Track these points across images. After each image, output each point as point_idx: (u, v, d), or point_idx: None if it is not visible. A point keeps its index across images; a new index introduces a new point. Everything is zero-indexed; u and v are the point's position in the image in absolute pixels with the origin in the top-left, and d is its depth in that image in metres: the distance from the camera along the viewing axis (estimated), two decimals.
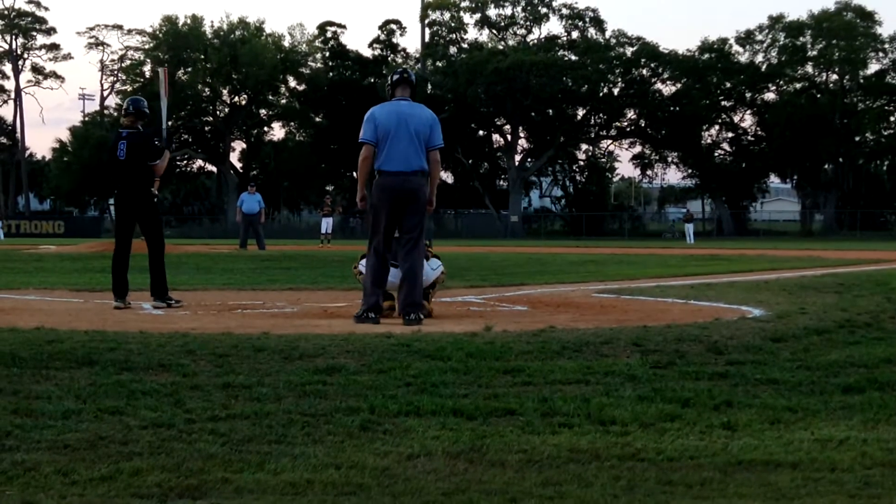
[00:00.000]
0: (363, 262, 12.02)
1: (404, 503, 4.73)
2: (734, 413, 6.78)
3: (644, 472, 5.38)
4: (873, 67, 79.78)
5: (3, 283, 17.43)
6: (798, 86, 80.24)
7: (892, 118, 79.83)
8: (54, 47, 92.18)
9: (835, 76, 79.75)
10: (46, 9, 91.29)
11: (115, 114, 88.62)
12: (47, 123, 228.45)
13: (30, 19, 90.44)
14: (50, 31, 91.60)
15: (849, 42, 76.78)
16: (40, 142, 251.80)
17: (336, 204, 66.33)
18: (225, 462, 5.44)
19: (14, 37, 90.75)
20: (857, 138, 79.74)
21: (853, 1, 79.10)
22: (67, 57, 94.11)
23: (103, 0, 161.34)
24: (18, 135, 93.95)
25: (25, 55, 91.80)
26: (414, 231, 11.49)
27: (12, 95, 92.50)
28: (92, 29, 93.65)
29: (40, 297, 14.69)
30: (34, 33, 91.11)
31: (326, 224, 48.94)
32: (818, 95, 78.99)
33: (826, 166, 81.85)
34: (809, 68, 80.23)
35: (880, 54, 79.64)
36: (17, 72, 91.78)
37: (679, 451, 5.81)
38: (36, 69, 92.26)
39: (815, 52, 79.05)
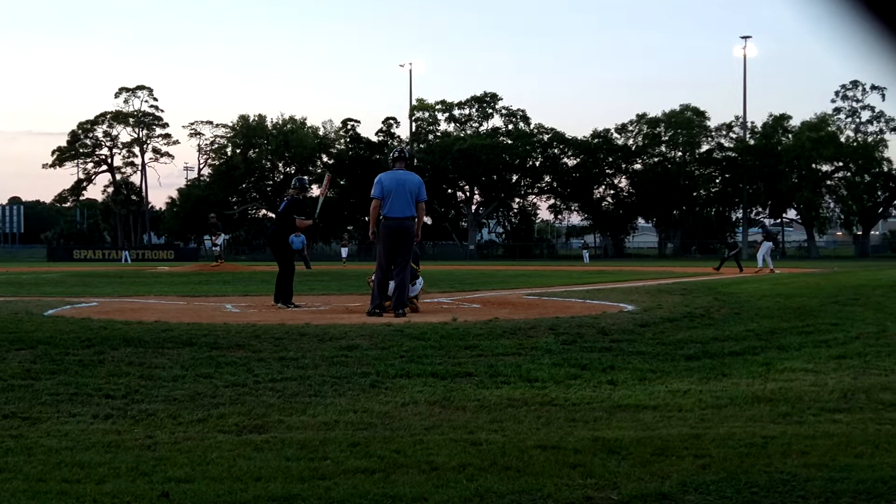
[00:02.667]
0: (373, 276, 12.07)
1: (398, 435, 4.72)
2: (615, 373, 6.79)
3: (556, 412, 5.39)
4: (704, 147, 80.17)
5: (132, 291, 17.32)
6: (656, 160, 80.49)
7: (717, 180, 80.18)
8: (167, 136, 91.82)
9: (679, 153, 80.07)
10: (163, 110, 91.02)
11: (209, 179, 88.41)
12: (163, 186, 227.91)
13: (151, 117, 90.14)
14: (165, 125, 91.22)
15: (688, 131, 77.18)
16: (158, 198, 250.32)
17: (351, 238, 66.32)
18: (280, 409, 5.43)
19: (141, 129, 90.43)
20: (694, 193, 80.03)
21: (691, 103, 79.70)
22: (176, 142, 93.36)
23: (200, 103, 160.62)
24: (143, 193, 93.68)
25: (148, 141, 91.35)
26: (405, 256, 11.59)
27: (140, 168, 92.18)
28: (192, 123, 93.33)
29: (157, 301, 14.61)
30: (154, 127, 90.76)
31: (345, 251, 50.07)
32: (669, 166, 79.28)
33: (674, 211, 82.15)
34: (663, 148, 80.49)
35: (709, 139, 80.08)
36: (142, 152, 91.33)
37: (580, 398, 5.81)
38: (155, 150, 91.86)
39: (666, 138, 79.34)
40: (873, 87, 74.75)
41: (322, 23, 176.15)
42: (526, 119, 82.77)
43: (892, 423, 5.02)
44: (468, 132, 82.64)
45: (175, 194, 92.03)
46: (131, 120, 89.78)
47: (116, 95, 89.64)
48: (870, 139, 74.42)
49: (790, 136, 74.84)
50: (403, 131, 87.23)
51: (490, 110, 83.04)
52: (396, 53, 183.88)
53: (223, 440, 4.58)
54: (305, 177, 15.19)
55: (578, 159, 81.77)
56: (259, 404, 5.55)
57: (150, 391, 5.93)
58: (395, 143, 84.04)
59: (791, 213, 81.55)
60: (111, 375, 6.45)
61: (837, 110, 76.05)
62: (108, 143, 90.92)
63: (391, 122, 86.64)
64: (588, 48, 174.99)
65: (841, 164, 74.61)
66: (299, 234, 36.96)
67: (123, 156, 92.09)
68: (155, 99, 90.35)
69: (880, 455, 4.25)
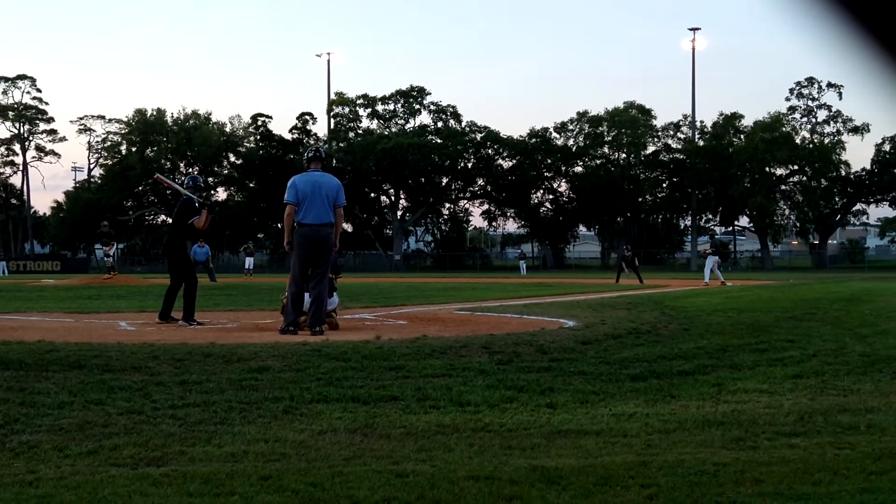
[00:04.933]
0: (286, 291, 11.98)
1: (316, 467, 4.68)
2: (555, 396, 6.84)
3: (491, 439, 5.40)
4: (651, 148, 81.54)
5: (12, 308, 16.91)
6: (598, 162, 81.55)
7: (664, 185, 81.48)
8: (52, 132, 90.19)
9: (624, 155, 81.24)
10: (47, 103, 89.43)
11: (99, 181, 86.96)
12: (47, 188, 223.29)
13: (34, 111, 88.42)
14: (49, 119, 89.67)
15: (633, 130, 78.37)
16: (42, 202, 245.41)
17: (255, 247, 66.05)
18: (181, 439, 5.35)
19: (22, 124, 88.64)
20: (640, 199, 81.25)
21: (636, 101, 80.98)
22: (63, 139, 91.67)
23: (90, 95, 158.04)
24: (25, 196, 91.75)
25: (31, 138, 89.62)
26: (321, 268, 11.53)
27: (20, 168, 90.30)
28: (81, 118, 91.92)
29: (41, 317, 14.29)
30: (37, 121, 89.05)
31: (249, 262, 50.25)
32: (612, 169, 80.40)
33: (618, 219, 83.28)
34: (606, 149, 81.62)
35: (655, 139, 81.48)
36: (24, 150, 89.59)
37: (516, 423, 5.83)
38: (38, 148, 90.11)
39: (609, 138, 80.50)
40: (830, 85, 76.96)
41: (229, 5, 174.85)
42: (457, 116, 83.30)
43: (852, 447, 5.14)
44: (393, 130, 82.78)
45: (62, 198, 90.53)
46: (10, 114, 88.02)
47: None
48: (826, 140, 76.46)
49: (742, 136, 76.55)
50: (321, 128, 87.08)
51: (417, 106, 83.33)
52: (313, 42, 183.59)
53: (117, 475, 4.49)
54: (199, 175, 14.48)
55: (514, 161, 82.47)
56: (157, 434, 5.46)
57: (33, 420, 5.79)
58: (312, 142, 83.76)
59: (743, 221, 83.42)
60: None
61: (792, 109, 78.04)
62: None
63: (307, 118, 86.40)
64: (525, 39, 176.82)
65: (796, 167, 76.53)
66: (203, 244, 36.93)
67: (1, 154, 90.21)
68: (38, 90, 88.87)
69: (839, 482, 4.35)
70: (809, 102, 78.11)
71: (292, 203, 11.47)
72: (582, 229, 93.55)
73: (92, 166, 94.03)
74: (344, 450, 5.13)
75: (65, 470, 4.59)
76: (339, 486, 4.26)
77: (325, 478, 4.40)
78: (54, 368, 7.73)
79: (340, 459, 4.87)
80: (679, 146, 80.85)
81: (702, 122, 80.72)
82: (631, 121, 78.27)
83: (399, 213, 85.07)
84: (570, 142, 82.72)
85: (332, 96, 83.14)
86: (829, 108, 77.79)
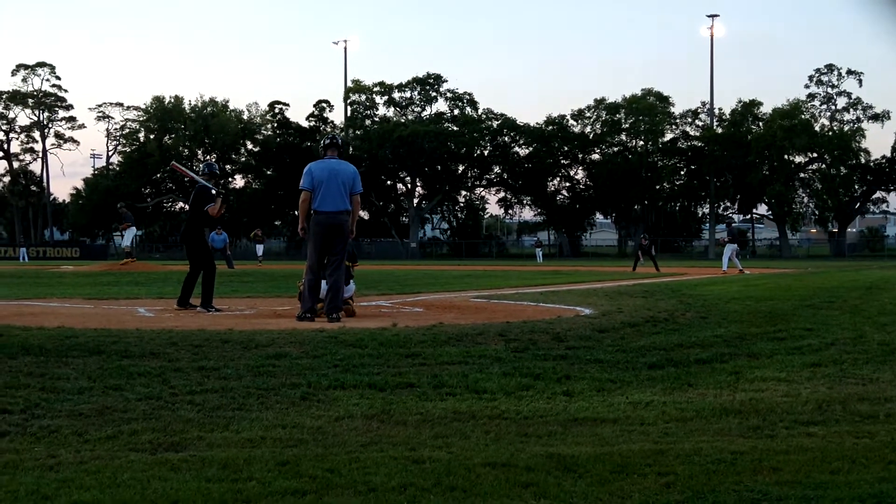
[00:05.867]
0: (303, 278, 12.03)
1: (333, 452, 4.70)
2: (571, 384, 6.84)
3: (507, 427, 5.41)
4: (668, 136, 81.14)
5: (32, 294, 17.01)
6: (615, 149, 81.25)
7: (681, 172, 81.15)
8: (71, 119, 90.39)
9: (641, 142, 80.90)
10: (66, 90, 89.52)
11: (118, 168, 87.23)
12: (66, 175, 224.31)
13: (53, 98, 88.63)
14: (68, 107, 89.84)
15: (651, 118, 77.99)
16: (61, 189, 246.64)
17: (264, 234, 66.23)
18: (200, 424, 5.38)
19: (41, 112, 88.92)
20: (657, 186, 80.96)
21: (654, 88, 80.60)
22: (81, 126, 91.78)
23: (109, 83, 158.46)
24: (45, 183, 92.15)
25: (50, 125, 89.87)
26: (338, 255, 11.52)
27: (40, 155, 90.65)
28: (100, 105, 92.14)
29: (60, 304, 14.37)
30: (57, 109, 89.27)
31: (260, 249, 50.82)
32: (630, 156, 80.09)
33: (636, 206, 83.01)
34: (623, 136, 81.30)
35: (673, 126, 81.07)
36: (43, 138, 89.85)
37: (532, 411, 5.84)
38: (58, 135, 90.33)
39: (627, 125, 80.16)
40: (850, 72, 76.45)
41: None
42: (473, 104, 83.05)
43: (871, 436, 5.12)
44: (409, 118, 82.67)
45: (81, 185, 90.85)
46: (30, 101, 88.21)
47: (13, 73, 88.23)
48: (846, 128, 76.01)
49: (761, 124, 76.11)
50: (337, 116, 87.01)
51: (434, 93, 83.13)
52: (329, 29, 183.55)
53: (135, 459, 4.52)
54: (214, 161, 14.36)
55: (531, 148, 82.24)
56: (176, 419, 5.49)
57: (53, 405, 5.83)
58: (328, 130, 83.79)
59: (762, 209, 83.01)
60: (8, 388, 6.33)
61: (812, 96, 77.58)
62: (3, 127, 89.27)
63: (324, 105, 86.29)
64: (542, 26, 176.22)
65: (815, 154, 76.08)
66: (221, 231, 36.97)
67: (21, 141, 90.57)
68: (57, 77, 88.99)
69: (858, 471, 4.34)
70: (829, 90, 77.64)
71: (308, 190, 11.45)
72: (599, 217, 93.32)
73: (110, 153, 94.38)
74: (361, 436, 5.15)
75: (84, 455, 4.62)
76: (356, 471, 4.28)
77: (342, 464, 4.42)
78: (74, 354, 7.78)
79: (357, 445, 4.89)
80: (697, 133, 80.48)
81: (720, 109, 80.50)
82: (649, 108, 77.90)
83: (415, 200, 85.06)
84: (588, 129, 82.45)
85: (349, 84, 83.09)
86: (848, 95, 77.34)
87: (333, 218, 11.41)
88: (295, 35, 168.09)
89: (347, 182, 11.50)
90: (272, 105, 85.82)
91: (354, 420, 5.57)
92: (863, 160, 76.28)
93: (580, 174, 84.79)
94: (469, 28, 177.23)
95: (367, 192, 77.97)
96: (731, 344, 9.15)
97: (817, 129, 75.54)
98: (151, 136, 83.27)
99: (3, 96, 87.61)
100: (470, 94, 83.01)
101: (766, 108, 76.87)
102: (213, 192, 13.27)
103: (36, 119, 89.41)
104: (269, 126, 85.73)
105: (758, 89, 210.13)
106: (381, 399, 6.21)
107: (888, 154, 78.20)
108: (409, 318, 11.57)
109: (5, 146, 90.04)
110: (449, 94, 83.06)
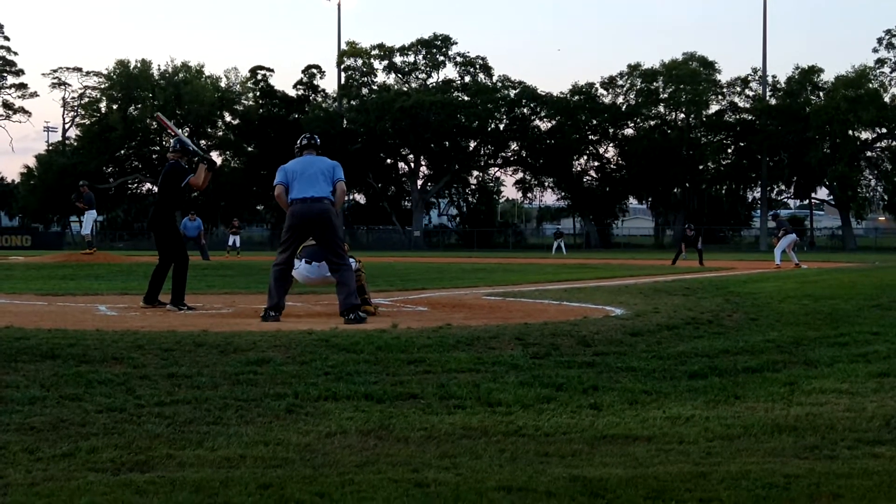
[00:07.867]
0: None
1: (323, 474, 4.71)
2: (600, 395, 6.85)
3: (525, 445, 5.42)
4: (714, 108, 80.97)
5: None
6: (652, 123, 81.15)
7: (729, 150, 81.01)
8: (22, 86, 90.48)
9: (682, 115, 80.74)
10: (16, 53, 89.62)
11: (76, 143, 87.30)
12: (16, 152, 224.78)
13: (1, 62, 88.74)
14: (18, 72, 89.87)
15: (693, 87, 77.77)
16: (10, 167, 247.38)
17: (242, 224, 66.39)
18: (169, 441, 5.39)
19: None
20: (701, 167, 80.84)
21: (697, 52, 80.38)
22: (34, 95, 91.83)
23: (65, 45, 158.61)
24: None
25: None
26: (333, 248, 11.64)
27: None
28: (55, 71, 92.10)
29: (9, 300, 14.40)
30: (4, 74, 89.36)
31: (235, 240, 50.58)
32: (668, 131, 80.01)
33: (675, 190, 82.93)
34: (661, 108, 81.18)
35: (719, 97, 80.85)
36: None
37: (554, 427, 5.85)
38: (6, 105, 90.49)
39: (665, 95, 79.98)
40: None
41: None
42: (487, 70, 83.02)
43: None
44: (413, 86, 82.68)
45: (32, 162, 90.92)
46: None
47: None
48: None
49: (821, 94, 75.90)
50: (329, 84, 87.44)
51: (441, 57, 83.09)
52: None
53: (95, 481, 4.54)
54: (187, 136, 14.30)
55: (554, 122, 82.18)
56: (142, 435, 5.51)
57: (0, 417, 5.86)
58: (319, 99, 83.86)
59: (822, 193, 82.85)
60: None
61: (880, 62, 77.24)
62: None
63: (313, 71, 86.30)
64: None
65: (885, 130, 75.83)
66: (194, 216, 37.04)
67: None
68: (6, 38, 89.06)
69: None
70: None
71: (282, 183, 11.81)
72: (632, 202, 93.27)
73: (67, 126, 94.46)
74: (355, 455, 5.16)
75: (36, 475, 4.63)
76: (350, 496, 4.29)
77: (334, 487, 4.43)
78: (24, 359, 7.80)
79: (351, 466, 4.90)
80: (747, 105, 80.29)
81: (774, 77, 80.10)
82: (691, 75, 77.67)
83: (419, 182, 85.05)
84: (620, 100, 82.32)
85: (343, 47, 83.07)
86: None
87: (312, 205, 11.52)
88: None
89: (327, 172, 11.78)
90: (254, 71, 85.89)
91: (348, 436, 5.58)
92: None
93: (611, 152, 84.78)
94: None
95: (364, 172, 78.08)
96: (785, 350, 9.15)
97: (887, 100, 75.23)
98: (114, 107, 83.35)
99: None
100: (483, 59, 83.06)
101: (828, 76, 76.70)
102: (196, 158, 13.41)
103: None
104: (250, 95, 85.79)
105: (818, 54, 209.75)
106: (378, 412, 6.22)
107: None
108: (411, 318, 11.59)
109: None
110: (459, 59, 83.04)
